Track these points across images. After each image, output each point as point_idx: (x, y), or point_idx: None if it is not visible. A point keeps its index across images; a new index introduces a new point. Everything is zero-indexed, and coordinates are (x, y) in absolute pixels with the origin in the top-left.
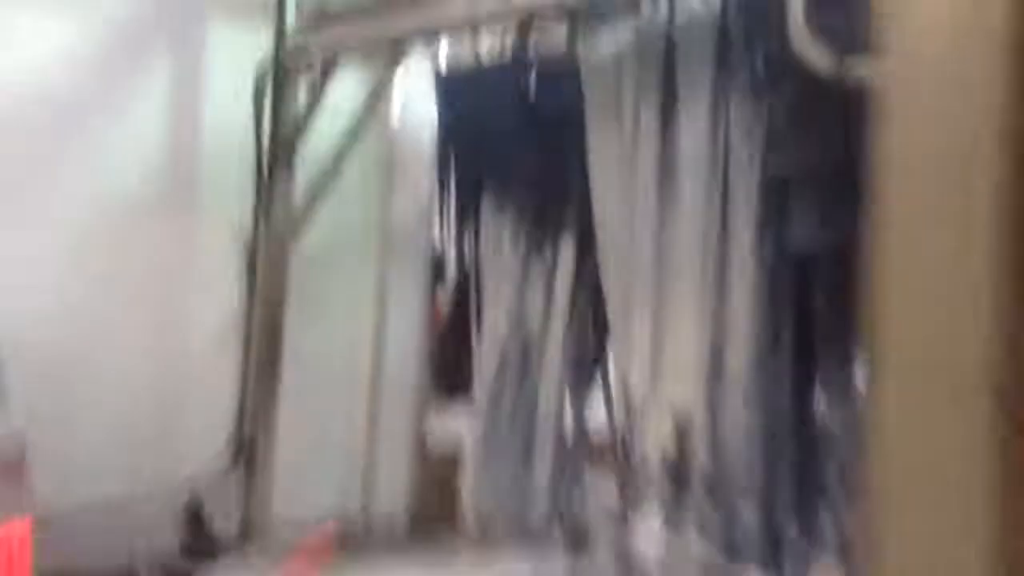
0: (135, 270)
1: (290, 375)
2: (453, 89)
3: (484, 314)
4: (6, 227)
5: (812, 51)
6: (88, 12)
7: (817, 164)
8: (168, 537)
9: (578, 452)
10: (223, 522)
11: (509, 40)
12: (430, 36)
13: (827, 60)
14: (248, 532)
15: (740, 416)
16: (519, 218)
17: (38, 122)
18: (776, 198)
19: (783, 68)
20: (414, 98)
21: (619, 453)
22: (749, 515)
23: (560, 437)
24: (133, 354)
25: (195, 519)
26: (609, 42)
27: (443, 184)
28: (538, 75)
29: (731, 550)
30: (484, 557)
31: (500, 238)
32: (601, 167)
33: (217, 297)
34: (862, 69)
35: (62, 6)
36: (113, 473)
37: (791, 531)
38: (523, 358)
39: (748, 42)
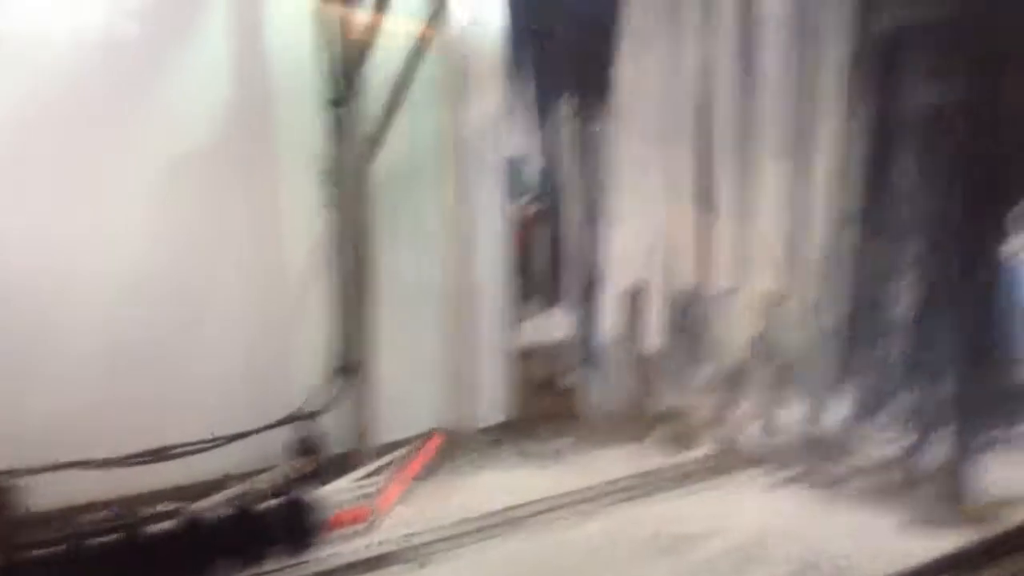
0: (222, 206)
1: (383, 294)
2: None
3: (569, 221)
4: (95, 178)
5: None
6: None
7: (922, 18)
8: (286, 457)
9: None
10: (334, 439)
11: None
12: None
13: None
14: (359, 447)
15: (835, 294)
16: (607, 111)
17: (111, 74)
18: (875, 56)
19: None
20: (480, 3)
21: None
22: (846, 388)
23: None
24: (233, 288)
25: (307, 438)
26: None
27: (517, 88)
28: None
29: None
30: (586, 455)
31: (583, 137)
32: (646, 47)
33: (304, 224)
34: None
35: None
36: (233, 402)
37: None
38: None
39: None
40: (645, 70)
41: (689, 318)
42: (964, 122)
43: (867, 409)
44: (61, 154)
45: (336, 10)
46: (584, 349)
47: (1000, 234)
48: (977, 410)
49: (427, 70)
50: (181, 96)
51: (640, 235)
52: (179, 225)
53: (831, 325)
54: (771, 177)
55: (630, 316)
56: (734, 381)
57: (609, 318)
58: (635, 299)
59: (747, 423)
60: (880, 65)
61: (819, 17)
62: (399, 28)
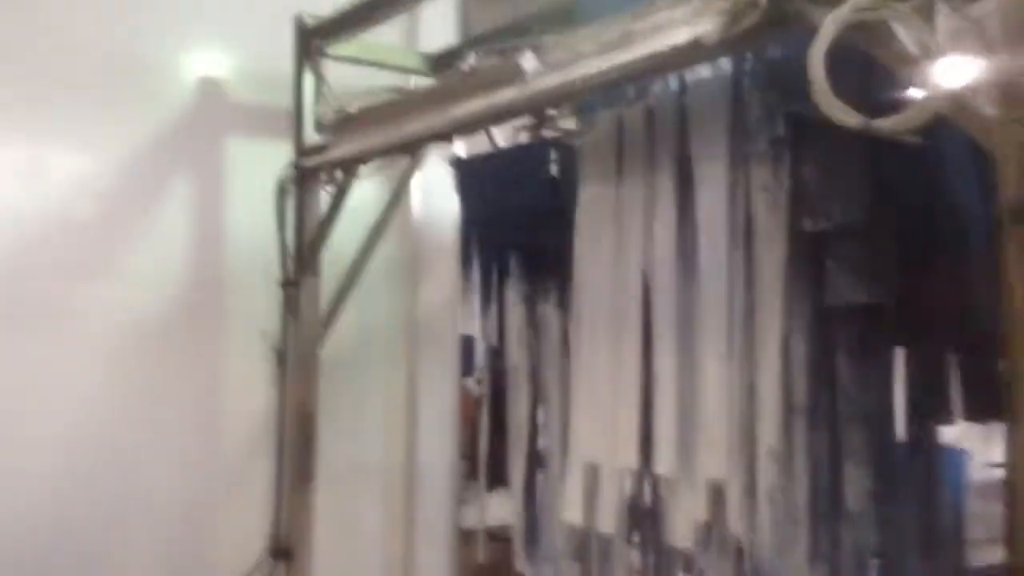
0: (170, 383)
1: (325, 476)
2: (471, 172)
3: (517, 402)
4: (42, 351)
5: (839, 111)
6: (109, 143)
7: (851, 218)
8: None
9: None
10: None
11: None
12: (449, 136)
13: (855, 119)
14: None
15: (777, 484)
16: (551, 298)
17: (66, 249)
18: (807, 257)
19: (806, 127)
20: (435, 189)
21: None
22: None
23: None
24: (171, 464)
25: None
26: (612, 120)
27: (467, 270)
28: (558, 154)
29: None
30: None
31: (529, 321)
32: (600, 243)
33: (250, 403)
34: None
35: (84, 141)
36: None
37: None
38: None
39: (765, 104)
40: (595, 263)
41: (636, 503)
42: (893, 319)
43: None
44: (21, 320)
45: (295, 195)
46: (532, 533)
47: (943, 417)
48: None
49: (382, 255)
50: (136, 272)
51: (594, 417)
52: (122, 396)
53: (789, 514)
54: (713, 369)
55: (584, 499)
56: (687, 568)
57: (566, 500)
58: (588, 481)
59: None
60: (811, 266)
61: (754, 219)
62: (356, 213)
